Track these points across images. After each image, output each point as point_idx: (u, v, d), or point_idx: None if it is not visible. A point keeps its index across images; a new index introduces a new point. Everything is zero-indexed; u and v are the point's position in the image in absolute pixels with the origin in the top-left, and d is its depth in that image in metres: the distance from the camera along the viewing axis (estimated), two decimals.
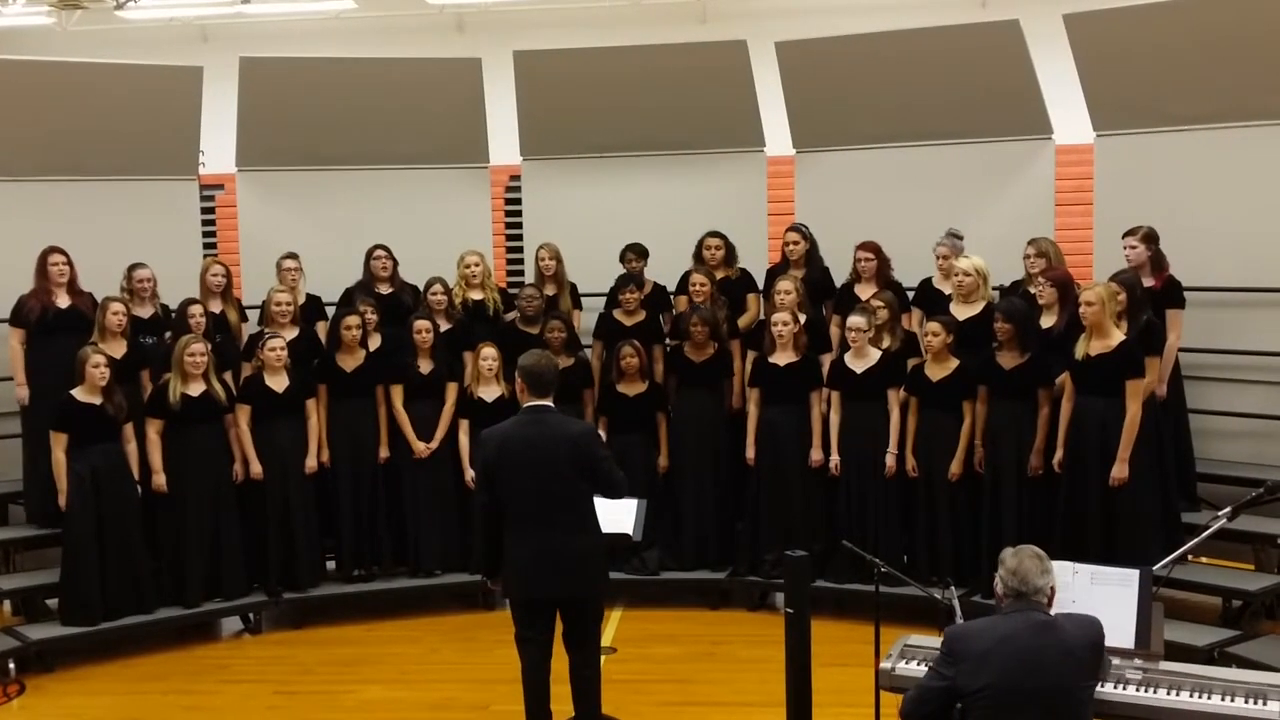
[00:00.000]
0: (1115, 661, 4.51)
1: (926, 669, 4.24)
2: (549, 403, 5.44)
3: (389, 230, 8.48)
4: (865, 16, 11.76)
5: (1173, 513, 6.88)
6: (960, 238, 7.73)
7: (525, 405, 5.47)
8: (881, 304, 7.46)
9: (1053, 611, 4.01)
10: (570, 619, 5.50)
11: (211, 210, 11.20)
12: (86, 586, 7.04)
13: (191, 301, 7.62)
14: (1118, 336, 6.50)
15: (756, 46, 8.61)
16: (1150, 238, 7.13)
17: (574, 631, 5.51)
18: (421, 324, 7.77)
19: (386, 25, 14.80)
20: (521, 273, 9.73)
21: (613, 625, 7.42)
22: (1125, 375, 6.45)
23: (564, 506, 5.33)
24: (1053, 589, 3.94)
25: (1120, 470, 6.46)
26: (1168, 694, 4.46)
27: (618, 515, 5.80)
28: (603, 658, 6.23)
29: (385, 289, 8.28)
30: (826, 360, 7.60)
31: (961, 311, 7.30)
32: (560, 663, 5.53)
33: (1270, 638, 6.56)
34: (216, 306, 7.89)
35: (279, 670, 7.02)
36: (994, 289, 7.50)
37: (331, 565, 7.96)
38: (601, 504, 5.53)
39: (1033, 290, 7.19)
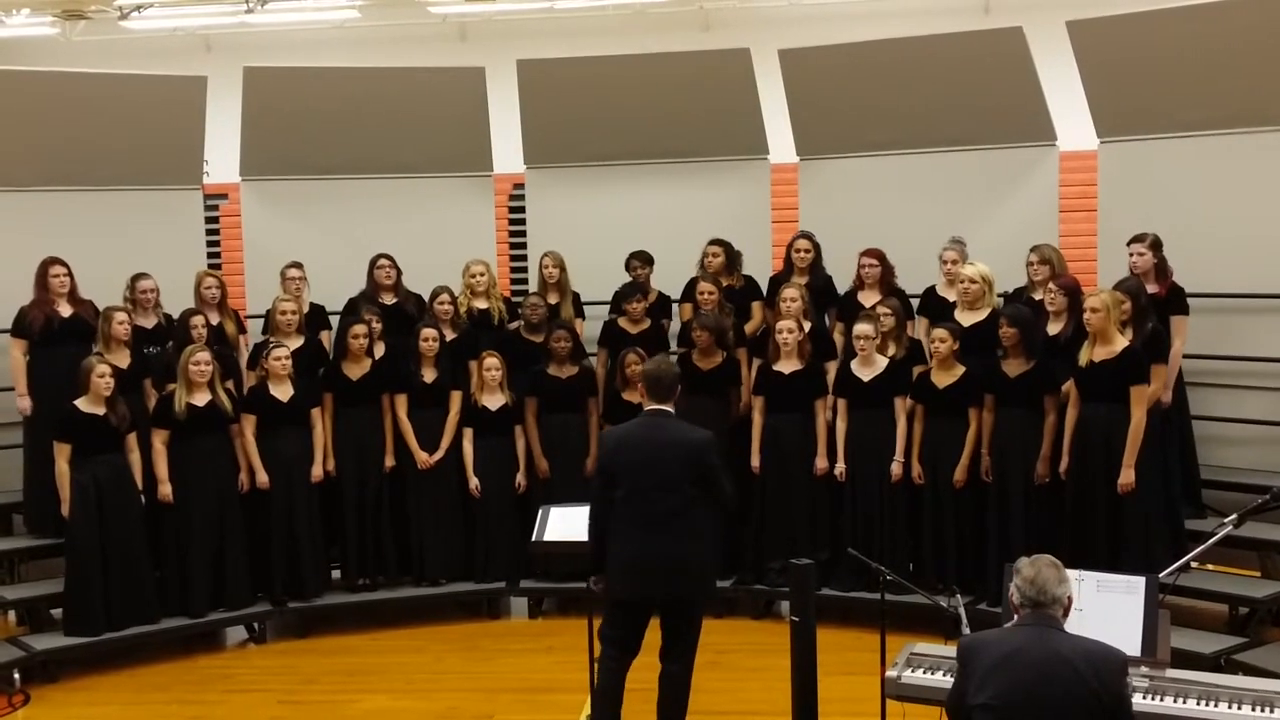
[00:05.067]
0: None
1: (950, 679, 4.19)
2: (669, 408, 5.48)
3: (392, 239, 8.50)
4: (868, 24, 11.79)
5: (1177, 519, 6.86)
6: (964, 244, 7.73)
7: (646, 409, 5.54)
8: (888, 311, 7.46)
9: (1067, 625, 3.94)
10: (668, 626, 5.49)
11: (215, 220, 11.23)
12: (90, 597, 7.04)
13: (193, 312, 7.62)
14: (1121, 343, 6.49)
15: (760, 54, 8.61)
16: (1156, 245, 7.12)
17: (671, 640, 5.49)
18: (428, 332, 7.78)
19: (390, 35, 14.85)
20: (525, 281, 9.74)
21: None
22: (1129, 381, 6.44)
23: (672, 510, 5.34)
24: (1069, 599, 3.89)
25: (1127, 477, 6.45)
26: (1174, 701, 4.45)
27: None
28: None
29: (389, 298, 8.29)
30: (831, 368, 7.60)
31: (967, 318, 7.29)
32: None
33: (1277, 645, 6.53)
34: (214, 318, 7.86)
35: (283, 680, 7.02)
36: (998, 296, 7.50)
37: (336, 574, 7.95)
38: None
39: (1038, 297, 7.19)
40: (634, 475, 5.39)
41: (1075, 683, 3.69)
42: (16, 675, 6.85)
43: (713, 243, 8.11)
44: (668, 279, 8.28)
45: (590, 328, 8.39)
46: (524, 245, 9.59)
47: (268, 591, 7.61)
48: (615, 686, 5.46)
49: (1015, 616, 3.95)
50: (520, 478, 7.91)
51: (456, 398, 7.86)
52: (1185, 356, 7.16)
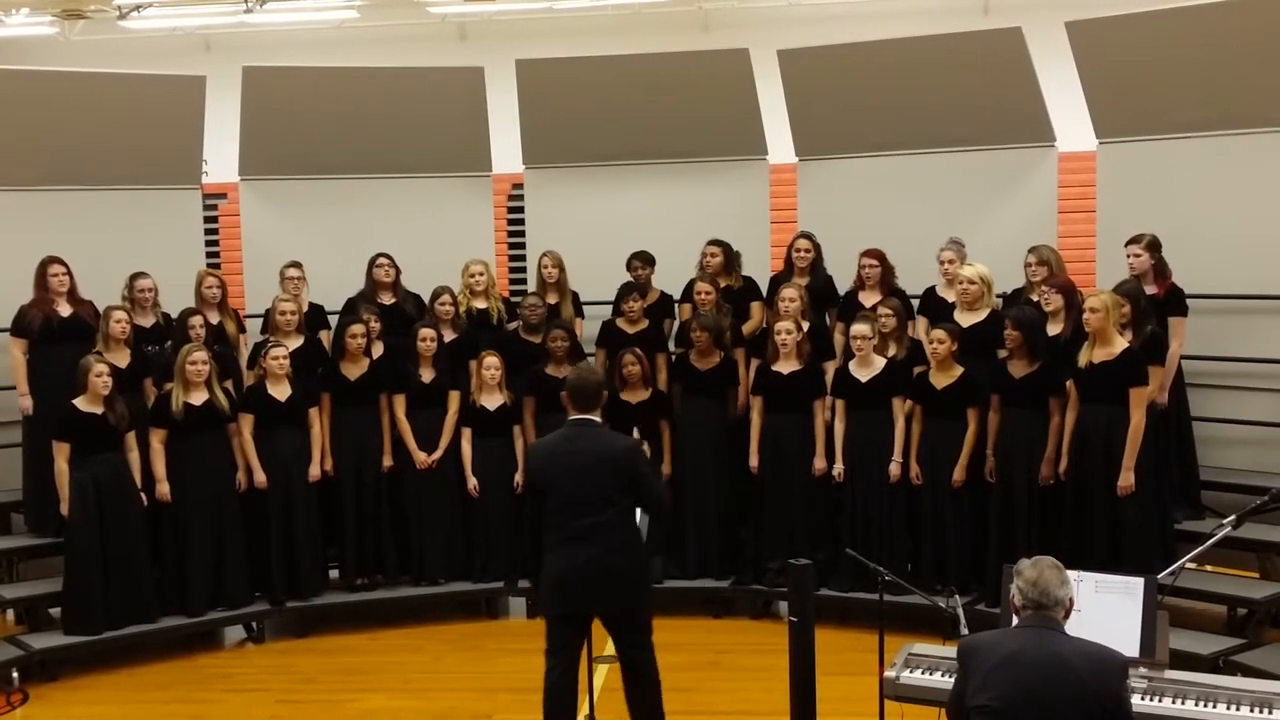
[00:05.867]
0: None
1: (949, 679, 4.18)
2: (594, 416, 5.39)
3: (391, 239, 8.50)
4: (867, 24, 11.80)
5: (1169, 521, 6.86)
6: (962, 244, 7.74)
7: (570, 419, 5.43)
8: (889, 311, 7.46)
9: (1066, 625, 3.93)
10: (615, 634, 5.43)
11: (214, 219, 11.24)
12: (89, 595, 7.04)
13: (192, 312, 7.63)
14: (1121, 344, 6.49)
15: (759, 55, 8.62)
16: (1154, 246, 7.12)
17: (623, 646, 5.43)
18: (426, 332, 7.78)
19: (389, 34, 14.85)
20: (524, 281, 9.74)
21: None
22: (1129, 383, 6.44)
23: (603, 521, 5.23)
24: (1071, 601, 3.88)
25: (1126, 479, 6.45)
26: (1173, 703, 4.45)
27: None
28: (605, 667, 6.22)
29: (388, 298, 8.29)
30: (830, 368, 7.60)
31: (966, 319, 7.29)
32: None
33: (1275, 646, 6.53)
34: (214, 317, 7.87)
35: (282, 679, 7.02)
36: (997, 296, 7.50)
37: (335, 574, 7.95)
38: None
39: (1035, 298, 7.18)
40: (563, 488, 5.25)
41: (1075, 685, 3.69)
42: (15, 674, 6.84)
43: (711, 243, 8.11)
44: (667, 279, 8.27)
45: (590, 327, 8.38)
46: (523, 245, 9.60)
47: (266, 591, 7.61)
48: (569, 687, 5.38)
49: (1015, 618, 3.95)
50: (519, 477, 7.91)
51: (455, 398, 7.86)
52: (1185, 357, 7.16)
